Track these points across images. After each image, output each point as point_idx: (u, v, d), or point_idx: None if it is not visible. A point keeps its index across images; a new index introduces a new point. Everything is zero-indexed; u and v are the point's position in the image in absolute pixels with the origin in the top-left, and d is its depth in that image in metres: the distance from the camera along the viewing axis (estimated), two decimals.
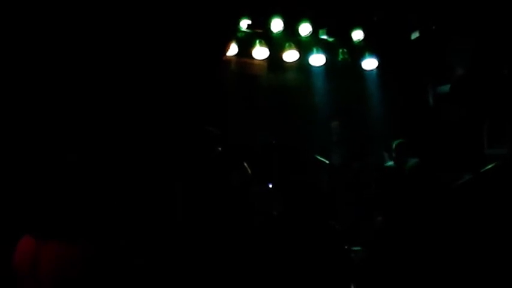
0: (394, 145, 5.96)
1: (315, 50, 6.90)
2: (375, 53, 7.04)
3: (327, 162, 6.03)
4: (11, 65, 3.90)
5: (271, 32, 6.64)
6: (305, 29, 6.68)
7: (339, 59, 7.10)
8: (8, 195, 3.59)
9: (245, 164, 5.06)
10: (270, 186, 5.58)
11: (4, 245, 2.87)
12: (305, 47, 6.89)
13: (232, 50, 6.48)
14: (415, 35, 6.80)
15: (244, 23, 6.47)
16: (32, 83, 3.98)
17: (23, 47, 3.93)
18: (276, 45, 6.76)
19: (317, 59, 6.94)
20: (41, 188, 3.03)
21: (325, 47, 6.96)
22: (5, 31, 3.85)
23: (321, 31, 6.91)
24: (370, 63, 7.12)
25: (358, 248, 5.07)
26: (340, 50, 7.08)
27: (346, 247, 5.41)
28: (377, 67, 7.14)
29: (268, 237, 4.64)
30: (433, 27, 6.53)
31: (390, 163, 6.02)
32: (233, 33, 6.26)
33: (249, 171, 5.13)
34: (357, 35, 6.88)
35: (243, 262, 4.27)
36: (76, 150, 3.80)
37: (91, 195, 3.15)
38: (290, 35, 6.74)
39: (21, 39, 3.92)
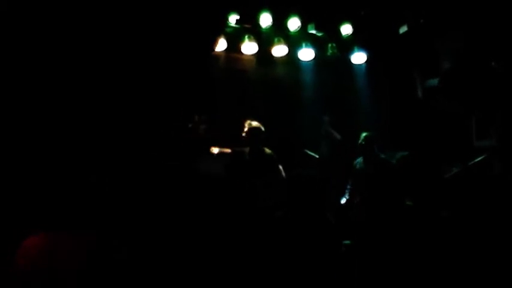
0: (362, 137, 5.81)
1: (303, 44, 6.91)
2: (363, 47, 7.06)
3: (317, 156, 6.04)
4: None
5: (260, 27, 6.63)
6: (294, 23, 6.67)
7: (328, 53, 7.11)
8: (16, 190, 3.57)
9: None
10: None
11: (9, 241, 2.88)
12: (294, 41, 6.89)
13: (221, 45, 6.47)
14: (403, 29, 6.82)
15: (232, 18, 6.46)
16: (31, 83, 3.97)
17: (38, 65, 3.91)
18: (264, 40, 6.75)
19: (306, 54, 6.95)
20: (51, 182, 3.04)
21: (314, 42, 6.97)
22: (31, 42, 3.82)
23: (309, 26, 6.91)
24: (359, 58, 7.15)
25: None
26: (329, 45, 7.09)
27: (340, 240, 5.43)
28: (366, 61, 7.16)
29: (270, 231, 4.63)
30: (421, 21, 6.55)
31: (359, 159, 5.97)
32: (222, 28, 6.24)
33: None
34: (346, 29, 6.89)
35: (242, 256, 4.28)
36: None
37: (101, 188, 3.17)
38: (279, 29, 6.74)
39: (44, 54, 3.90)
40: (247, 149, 5.44)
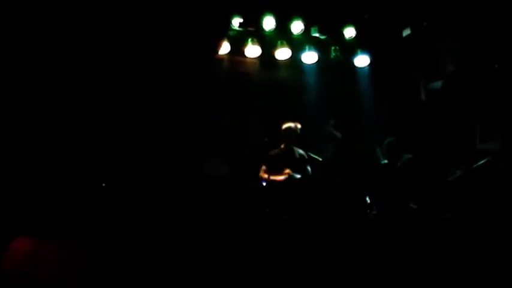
0: (385, 143, 5.98)
1: (307, 47, 6.92)
2: (367, 50, 7.06)
3: (320, 159, 6.04)
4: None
5: (263, 30, 6.64)
6: (297, 26, 6.69)
7: (331, 56, 7.12)
8: (3, 196, 3.58)
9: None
10: (264, 184, 5.60)
11: None
12: (297, 44, 6.91)
13: (225, 48, 6.49)
14: (406, 32, 6.82)
15: (236, 21, 6.47)
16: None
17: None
18: (268, 43, 6.78)
19: (309, 57, 6.96)
20: (38, 189, 3.04)
21: (317, 45, 6.98)
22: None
23: (313, 29, 6.91)
24: (362, 60, 7.14)
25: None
26: (332, 48, 7.10)
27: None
28: (369, 64, 7.16)
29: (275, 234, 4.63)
30: (424, 24, 6.55)
31: (384, 161, 6.03)
32: (225, 31, 6.27)
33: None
34: (349, 32, 6.89)
35: (242, 257, 4.28)
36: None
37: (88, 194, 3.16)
38: (282, 33, 6.76)
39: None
40: (279, 151, 5.50)
